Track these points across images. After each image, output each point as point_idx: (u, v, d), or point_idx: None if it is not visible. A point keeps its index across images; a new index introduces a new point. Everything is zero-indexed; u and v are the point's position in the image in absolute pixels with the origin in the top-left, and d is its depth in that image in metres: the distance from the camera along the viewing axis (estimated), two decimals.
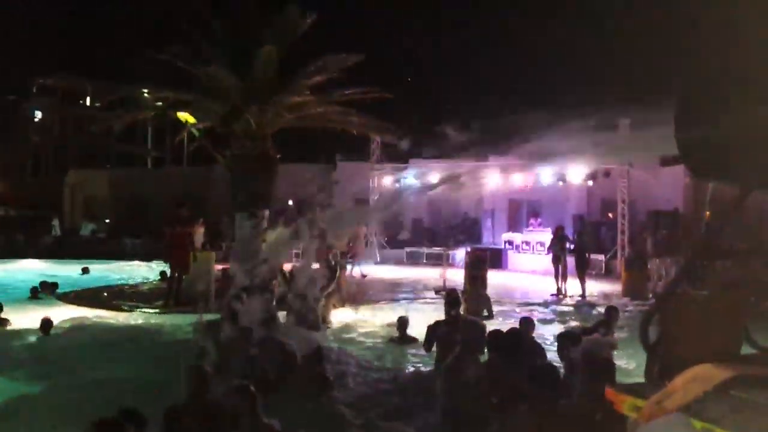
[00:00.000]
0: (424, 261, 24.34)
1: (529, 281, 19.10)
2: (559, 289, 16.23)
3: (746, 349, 3.11)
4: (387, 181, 24.93)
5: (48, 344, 8.74)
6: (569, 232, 18.31)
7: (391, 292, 16.13)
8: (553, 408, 3.88)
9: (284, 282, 10.52)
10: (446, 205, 27.73)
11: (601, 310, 13.43)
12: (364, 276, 18.45)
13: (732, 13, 2.54)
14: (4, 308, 10.21)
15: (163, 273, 15.90)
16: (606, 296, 16.00)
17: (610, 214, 23.64)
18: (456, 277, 16.29)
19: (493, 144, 22.35)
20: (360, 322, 11.40)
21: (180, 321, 10.69)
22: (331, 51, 14.58)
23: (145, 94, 17.24)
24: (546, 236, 19.87)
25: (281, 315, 9.71)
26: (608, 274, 20.81)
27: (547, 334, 9.39)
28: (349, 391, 6.59)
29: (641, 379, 3.14)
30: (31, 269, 19.37)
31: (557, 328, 10.50)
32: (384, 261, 23.65)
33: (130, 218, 30.71)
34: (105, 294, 14.58)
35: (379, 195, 24.19)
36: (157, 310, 12.40)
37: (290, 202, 22.43)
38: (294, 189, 18.99)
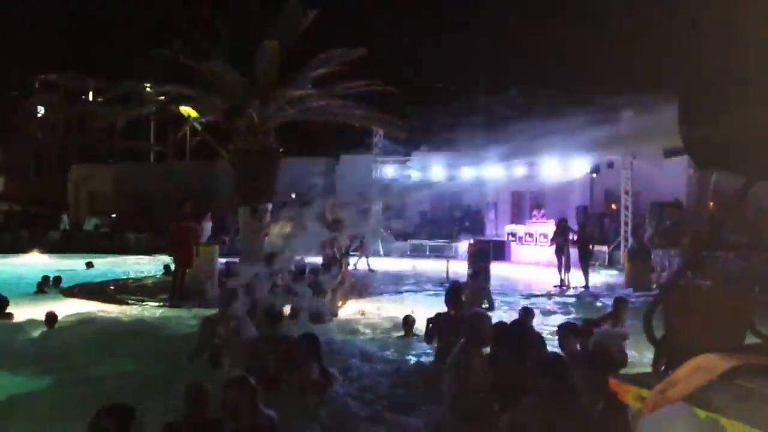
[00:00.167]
0: (428, 253, 24.37)
1: (532, 273, 19.12)
2: (562, 281, 16.23)
3: (750, 339, 3.12)
4: (389, 173, 24.93)
5: (52, 338, 8.76)
6: (572, 223, 18.29)
7: (395, 284, 16.15)
8: (562, 399, 3.88)
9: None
10: (450, 198, 27.73)
11: (605, 301, 13.51)
12: (372, 270, 18.48)
13: (732, 13, 2.54)
14: (10, 302, 10.24)
15: (167, 267, 15.94)
16: (609, 287, 16.02)
17: (614, 206, 23.62)
18: (459, 269, 16.31)
19: (494, 136, 22.33)
20: (365, 314, 11.41)
21: (184, 315, 10.72)
22: (333, 46, 14.59)
23: (148, 90, 17.28)
24: (549, 228, 19.86)
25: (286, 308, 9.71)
26: (611, 265, 20.83)
27: (550, 325, 9.39)
28: (354, 384, 6.61)
29: (645, 369, 3.14)
30: (35, 264, 19.43)
31: (560, 320, 10.50)
32: (387, 253, 23.68)
33: (134, 213, 30.80)
34: (109, 288, 14.63)
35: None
36: (161, 304, 12.44)
37: (293, 196, 22.43)
38: (297, 183, 18.99)
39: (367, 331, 10.05)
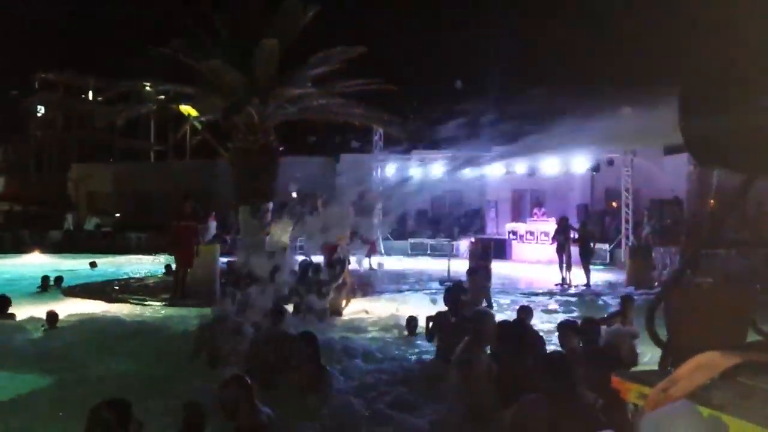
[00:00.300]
0: (428, 252, 24.37)
1: (533, 271, 19.12)
2: (563, 279, 16.23)
3: (752, 337, 3.12)
4: (390, 171, 24.92)
5: (53, 338, 8.77)
6: (573, 221, 18.29)
7: (397, 283, 16.15)
8: (564, 397, 3.89)
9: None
10: (450, 196, 27.72)
11: (606, 299, 13.53)
12: (373, 269, 18.49)
13: (732, 12, 2.54)
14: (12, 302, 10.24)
15: (168, 266, 15.94)
16: (610, 285, 16.03)
17: (614, 203, 23.62)
18: (460, 267, 16.30)
19: (495, 133, 22.29)
20: (366, 313, 11.42)
21: (185, 314, 10.72)
22: (332, 44, 14.58)
23: (147, 89, 17.28)
24: (550, 226, 19.85)
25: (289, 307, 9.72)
26: (612, 263, 20.83)
27: (551, 323, 9.39)
28: (356, 382, 6.61)
29: (647, 367, 3.14)
30: (38, 264, 19.44)
31: (562, 318, 10.49)
32: (388, 252, 23.66)
33: (134, 213, 30.80)
34: (111, 288, 14.62)
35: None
36: (162, 304, 12.44)
37: (293, 194, 22.44)
38: (297, 182, 19.01)
39: (370, 329, 10.06)
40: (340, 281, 11.22)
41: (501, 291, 14.08)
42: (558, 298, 14.01)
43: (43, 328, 9.22)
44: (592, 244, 17.00)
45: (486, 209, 27.29)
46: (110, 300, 12.74)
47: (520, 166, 22.85)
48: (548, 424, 3.82)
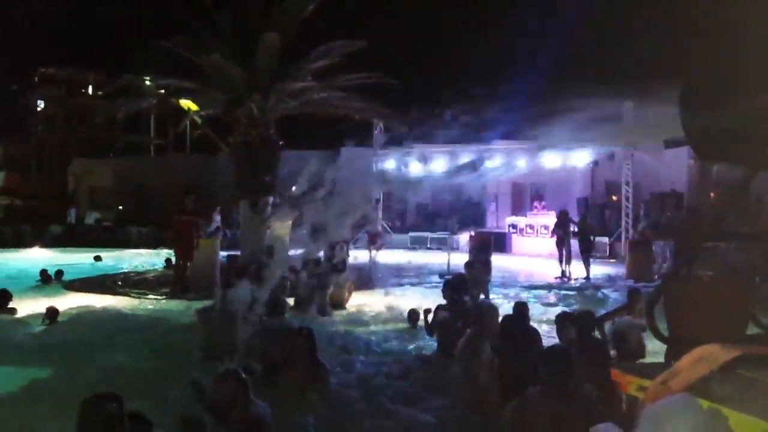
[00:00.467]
0: (429, 245, 24.39)
1: (533, 264, 19.14)
2: (563, 272, 16.24)
3: (752, 330, 3.13)
4: (390, 165, 24.91)
5: (54, 332, 8.79)
6: (573, 215, 18.29)
7: (397, 276, 16.17)
8: (565, 390, 3.91)
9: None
10: (450, 190, 27.69)
11: (606, 292, 13.55)
12: (374, 262, 18.53)
13: (733, 13, 2.55)
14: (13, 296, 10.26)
15: (168, 260, 15.96)
16: (610, 279, 16.04)
17: (614, 197, 23.60)
18: (461, 261, 16.31)
19: (496, 128, 22.32)
20: (367, 307, 11.43)
21: (185, 308, 10.74)
22: (333, 38, 14.55)
23: (147, 83, 17.26)
24: (550, 219, 19.85)
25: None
26: (613, 256, 20.85)
27: (551, 316, 9.41)
28: (357, 377, 6.63)
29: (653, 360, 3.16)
30: (39, 258, 19.45)
31: (561, 311, 10.51)
32: (388, 246, 23.65)
33: (135, 207, 30.81)
34: (111, 281, 14.63)
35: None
36: (163, 298, 12.46)
37: (294, 189, 22.40)
38: (297, 176, 18.96)
39: (371, 323, 10.08)
40: (342, 274, 11.26)
41: (501, 284, 14.09)
42: (558, 291, 14.02)
43: (43, 323, 9.24)
44: (591, 238, 17.00)
45: (486, 203, 27.29)
46: (111, 293, 12.75)
47: (521, 160, 22.87)
48: (549, 417, 3.84)
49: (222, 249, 14.33)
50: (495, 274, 13.40)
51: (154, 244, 22.27)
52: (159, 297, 12.54)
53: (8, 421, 5.43)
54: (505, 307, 8.87)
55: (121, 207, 31.65)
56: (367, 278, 14.54)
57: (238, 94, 13.14)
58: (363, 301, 11.84)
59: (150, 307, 11.47)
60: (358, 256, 15.76)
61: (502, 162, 23.13)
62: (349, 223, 9.67)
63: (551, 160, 22.27)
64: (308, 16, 14.23)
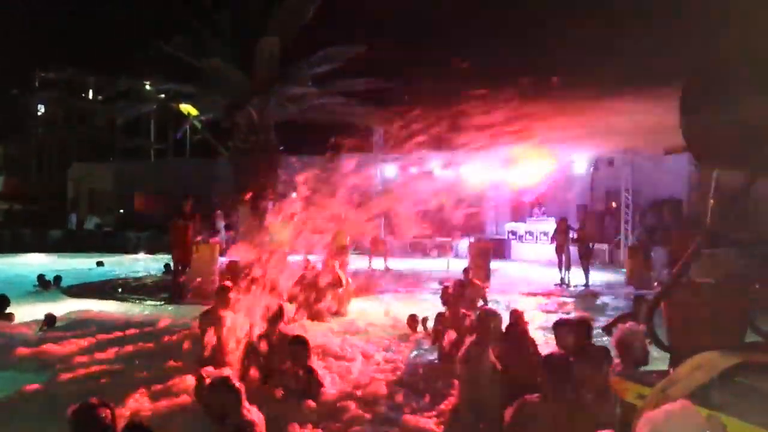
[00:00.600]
0: (428, 252, 24.36)
1: (532, 271, 19.11)
2: (562, 279, 16.23)
3: (752, 337, 3.11)
4: (391, 171, 24.91)
5: (51, 338, 8.75)
6: (572, 221, 18.29)
7: (397, 283, 16.14)
8: (565, 396, 3.90)
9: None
10: (450, 196, 27.60)
11: (605, 299, 13.53)
12: (388, 269, 18.66)
13: (733, 13, 2.55)
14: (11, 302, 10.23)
15: (167, 266, 15.94)
16: (609, 285, 16.02)
17: (614, 204, 23.58)
18: (460, 267, 16.28)
19: (495, 132, 22.26)
20: (367, 313, 11.39)
21: (183, 313, 10.70)
22: (333, 43, 14.56)
23: (148, 87, 17.28)
24: (549, 226, 19.84)
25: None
26: (612, 263, 20.82)
27: (550, 323, 9.38)
28: (355, 383, 6.59)
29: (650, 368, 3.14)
30: (37, 263, 19.43)
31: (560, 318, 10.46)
32: (388, 252, 23.60)
33: (134, 211, 30.78)
34: (110, 287, 14.61)
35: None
36: (161, 303, 12.44)
37: (293, 194, 22.38)
38: (296, 180, 18.91)
39: (370, 330, 10.03)
40: (344, 282, 11.24)
41: (500, 291, 14.06)
42: (557, 298, 13.99)
43: (41, 329, 9.21)
44: (591, 245, 16.99)
45: (486, 209, 27.26)
46: (109, 299, 12.73)
47: (520, 166, 22.81)
48: (549, 424, 3.83)
49: (221, 254, 14.31)
50: (494, 281, 13.38)
51: (154, 249, 22.24)
52: (157, 302, 12.52)
53: (6, 427, 5.41)
54: (504, 315, 8.86)
55: (121, 210, 31.61)
56: (367, 284, 14.51)
57: (238, 97, 13.15)
58: (362, 307, 11.81)
59: (147, 313, 11.43)
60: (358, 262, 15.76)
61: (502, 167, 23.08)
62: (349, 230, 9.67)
63: (550, 166, 22.19)
64: (308, 21, 14.24)
